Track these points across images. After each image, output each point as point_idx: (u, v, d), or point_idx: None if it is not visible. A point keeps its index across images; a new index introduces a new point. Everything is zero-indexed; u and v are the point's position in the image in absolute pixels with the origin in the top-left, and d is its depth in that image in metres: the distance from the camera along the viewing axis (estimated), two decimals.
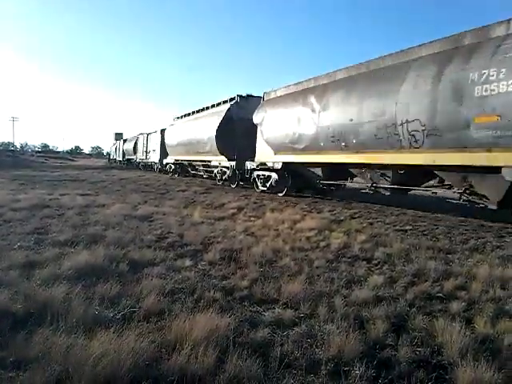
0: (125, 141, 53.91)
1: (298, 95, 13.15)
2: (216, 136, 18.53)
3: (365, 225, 8.28)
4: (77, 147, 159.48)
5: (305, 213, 9.85)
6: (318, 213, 10.06)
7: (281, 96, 14.60)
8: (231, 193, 15.47)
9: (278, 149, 14.29)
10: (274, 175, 15.02)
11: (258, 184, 16.42)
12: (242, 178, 18.20)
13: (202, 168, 23.71)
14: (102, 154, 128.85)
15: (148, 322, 3.10)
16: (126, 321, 3.11)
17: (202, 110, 22.92)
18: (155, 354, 2.60)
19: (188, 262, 4.89)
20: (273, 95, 15.33)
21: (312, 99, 12.13)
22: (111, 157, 68.12)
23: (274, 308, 3.61)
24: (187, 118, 25.20)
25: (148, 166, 38.81)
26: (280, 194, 14.91)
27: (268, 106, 15.11)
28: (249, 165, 16.71)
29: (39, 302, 3.25)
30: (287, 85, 14.50)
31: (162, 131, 30.63)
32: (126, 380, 2.28)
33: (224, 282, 4.24)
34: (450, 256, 5.73)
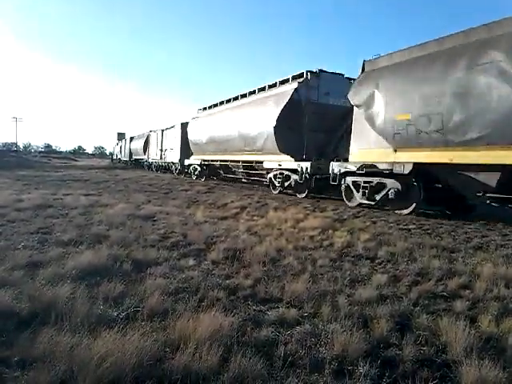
0: (132, 139, 48.02)
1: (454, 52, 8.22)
2: (275, 128, 13.53)
3: (368, 224, 8.27)
4: (80, 147, 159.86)
5: (308, 212, 9.84)
6: (321, 212, 10.04)
7: (405, 61, 9.58)
8: (234, 192, 15.45)
9: (404, 143, 9.30)
10: (393, 183, 9.91)
11: (356, 195, 11.19)
12: (315, 186, 13.33)
13: (242, 171, 18.59)
14: (105, 154, 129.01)
15: (152, 322, 3.11)
16: (130, 320, 3.11)
17: (245, 95, 17.77)
18: (159, 353, 2.60)
19: (191, 262, 4.90)
20: (385, 62, 10.32)
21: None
22: (115, 157, 66.00)
23: (277, 307, 3.60)
24: (221, 107, 19.91)
25: (162, 168, 33.64)
26: (405, 212, 9.98)
27: (381, 76, 10.12)
28: (337, 167, 11.63)
29: (43, 301, 3.25)
30: (410, 46, 9.62)
31: (184, 125, 25.28)
32: (129, 379, 2.29)
33: (227, 282, 4.24)
34: (453, 255, 5.72)
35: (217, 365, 2.48)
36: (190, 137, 23.63)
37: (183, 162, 26.15)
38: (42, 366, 2.32)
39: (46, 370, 2.28)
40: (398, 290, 4.13)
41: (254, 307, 3.61)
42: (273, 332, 3.06)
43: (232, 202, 11.65)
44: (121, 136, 68.44)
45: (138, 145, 43.05)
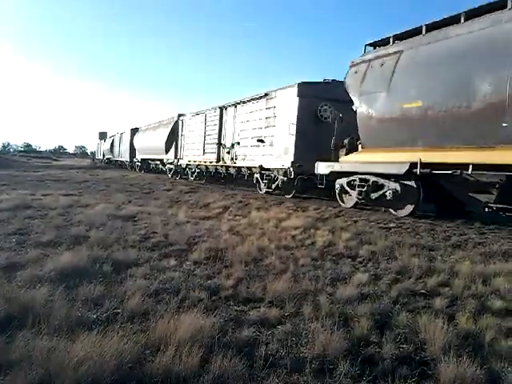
0: (135, 131, 35.97)
1: None
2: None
3: (349, 223, 8.33)
4: (60, 147, 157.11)
5: (290, 211, 9.87)
6: (303, 211, 10.08)
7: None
8: (216, 192, 15.40)
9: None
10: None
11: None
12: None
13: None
14: (87, 153, 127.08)
15: (132, 323, 3.07)
16: (110, 322, 3.07)
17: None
18: (139, 355, 2.57)
19: (173, 262, 4.86)
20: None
21: None
22: (99, 156, 63.68)
23: (259, 307, 3.60)
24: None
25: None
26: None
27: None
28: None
29: (20, 304, 3.18)
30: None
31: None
32: (109, 382, 2.26)
33: (209, 282, 4.23)
34: (432, 253, 5.80)
35: (197, 366, 2.46)
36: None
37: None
38: (19, 371, 2.27)
39: (23, 374, 2.23)
40: (378, 289, 4.17)
41: (235, 307, 3.61)
42: (254, 332, 3.05)
43: (214, 201, 11.61)
44: (102, 135, 67.43)
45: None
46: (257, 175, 16.04)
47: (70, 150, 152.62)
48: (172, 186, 17.82)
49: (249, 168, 16.72)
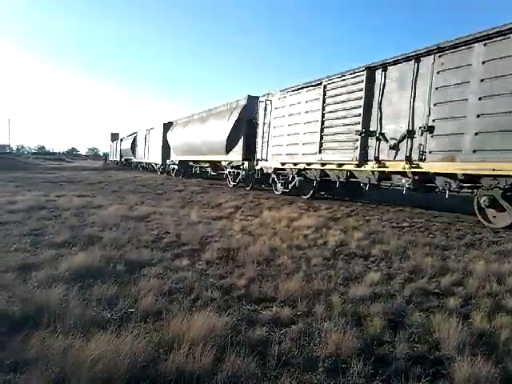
0: (169, 126, 28.11)
1: None
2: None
3: (361, 222, 8.30)
4: (73, 149, 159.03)
5: (302, 211, 9.86)
6: (314, 211, 10.06)
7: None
8: (228, 192, 15.44)
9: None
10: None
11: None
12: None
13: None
14: (99, 155, 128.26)
15: (146, 323, 3.10)
16: (124, 321, 3.10)
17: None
18: (153, 354, 2.60)
19: (185, 262, 4.89)
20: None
21: None
22: (112, 158, 62.52)
23: (271, 306, 3.60)
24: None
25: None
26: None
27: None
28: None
29: (36, 304, 3.23)
30: None
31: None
32: (123, 381, 2.28)
33: (221, 281, 4.24)
34: (446, 252, 5.75)
35: (211, 365, 2.47)
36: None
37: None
38: (35, 369, 2.31)
39: (39, 373, 2.27)
40: (391, 288, 4.15)
41: (248, 307, 3.61)
42: (267, 331, 3.06)
43: (226, 201, 11.65)
44: (115, 136, 67.92)
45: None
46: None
47: (83, 151, 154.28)
48: (184, 186, 17.81)
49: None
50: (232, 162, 18.50)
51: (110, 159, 63.41)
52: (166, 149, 28.17)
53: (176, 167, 27.20)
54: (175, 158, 26.66)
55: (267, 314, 3.41)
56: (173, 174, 27.69)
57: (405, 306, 3.62)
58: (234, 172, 18.82)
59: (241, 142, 17.31)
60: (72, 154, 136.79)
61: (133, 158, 40.58)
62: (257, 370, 2.46)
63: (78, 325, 2.90)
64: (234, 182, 19.02)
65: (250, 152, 16.61)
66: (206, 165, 22.84)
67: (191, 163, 24.82)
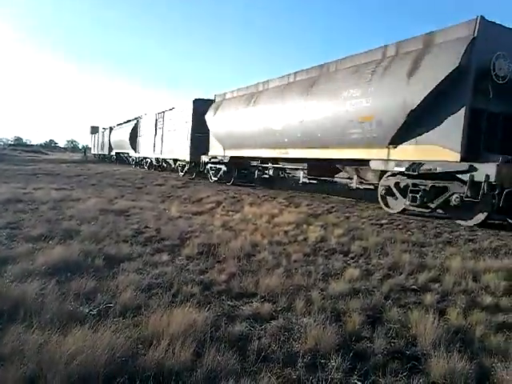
0: (210, 104, 18.73)
1: None
2: None
3: (342, 219, 8.37)
4: (51, 141, 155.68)
5: (283, 207, 9.89)
6: (295, 207, 10.11)
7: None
8: (209, 187, 15.38)
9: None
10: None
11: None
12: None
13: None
14: (78, 147, 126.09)
15: (124, 318, 3.06)
16: (102, 317, 3.06)
17: None
18: (131, 349, 2.57)
19: (165, 257, 4.85)
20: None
21: None
22: (94, 151, 57.76)
23: (251, 302, 3.61)
24: None
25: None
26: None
27: None
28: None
29: (11, 299, 3.16)
30: None
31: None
32: (101, 376, 2.25)
33: (202, 277, 4.22)
34: (424, 249, 5.85)
35: (190, 360, 2.46)
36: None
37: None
38: (10, 365, 2.26)
39: (14, 369, 2.22)
40: (370, 284, 4.20)
41: (228, 302, 3.61)
42: (247, 327, 3.06)
43: (207, 196, 11.61)
44: (94, 129, 66.71)
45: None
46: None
47: (61, 144, 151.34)
48: (164, 181, 17.63)
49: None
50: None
51: (93, 153, 61.35)
52: (196, 141, 19.64)
53: (224, 168, 17.83)
54: (221, 153, 17.60)
55: (247, 310, 3.41)
56: (214, 178, 18.87)
57: (383, 302, 3.66)
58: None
59: None
60: (50, 146, 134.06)
61: (131, 151, 32.25)
62: (236, 365, 2.46)
63: (54, 320, 2.85)
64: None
65: None
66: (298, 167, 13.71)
67: (255, 163, 16.10)
